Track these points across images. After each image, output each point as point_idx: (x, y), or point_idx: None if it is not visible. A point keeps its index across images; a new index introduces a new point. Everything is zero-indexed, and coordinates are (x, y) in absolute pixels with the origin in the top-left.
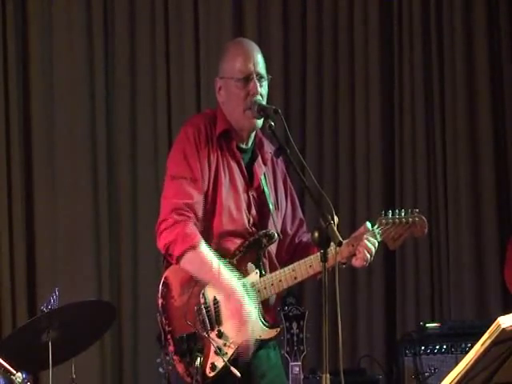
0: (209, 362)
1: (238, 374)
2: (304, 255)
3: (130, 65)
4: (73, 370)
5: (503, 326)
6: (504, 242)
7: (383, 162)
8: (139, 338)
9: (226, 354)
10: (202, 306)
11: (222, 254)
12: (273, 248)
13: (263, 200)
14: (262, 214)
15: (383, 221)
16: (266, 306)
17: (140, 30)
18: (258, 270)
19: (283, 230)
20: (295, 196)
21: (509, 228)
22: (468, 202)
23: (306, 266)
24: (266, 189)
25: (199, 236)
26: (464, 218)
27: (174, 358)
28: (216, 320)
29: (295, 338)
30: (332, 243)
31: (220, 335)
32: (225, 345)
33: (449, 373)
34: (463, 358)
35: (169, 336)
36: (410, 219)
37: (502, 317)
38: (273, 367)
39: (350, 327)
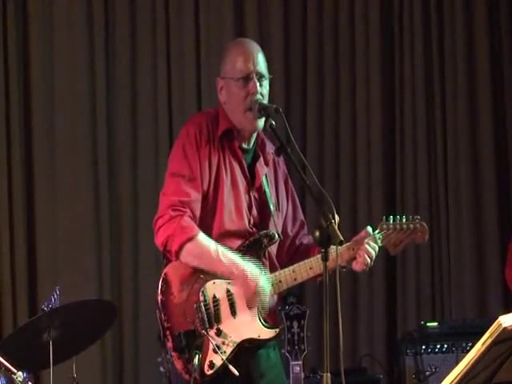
0: (207, 360)
1: (237, 373)
2: (304, 257)
3: (130, 65)
4: (74, 369)
5: (504, 326)
6: (505, 241)
7: (384, 162)
8: (140, 337)
9: (225, 352)
10: (202, 304)
11: None
12: (273, 249)
13: (264, 201)
14: (263, 215)
15: (384, 226)
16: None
17: (141, 29)
18: None
19: (284, 232)
20: (296, 197)
21: (509, 228)
22: (469, 202)
23: (306, 268)
24: (267, 190)
25: (196, 227)
26: (465, 218)
27: (173, 354)
28: (215, 318)
29: (296, 337)
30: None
31: (219, 333)
32: (223, 343)
33: (449, 372)
34: (464, 357)
35: (167, 332)
36: (412, 226)
37: (502, 316)
38: (272, 367)
39: (350, 326)
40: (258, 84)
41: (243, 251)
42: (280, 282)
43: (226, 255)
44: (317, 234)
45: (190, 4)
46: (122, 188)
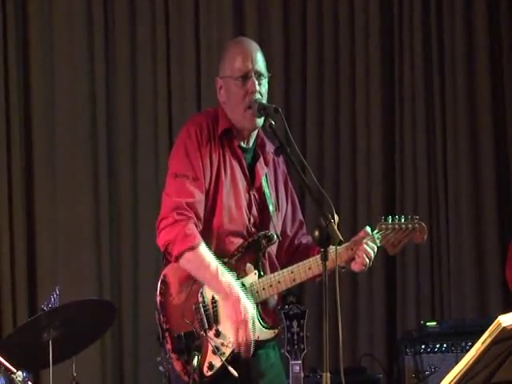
0: (206, 361)
1: (236, 374)
2: (304, 257)
3: (130, 65)
4: (73, 369)
5: (504, 325)
6: (504, 241)
7: (384, 162)
8: (139, 337)
9: (224, 353)
10: (201, 305)
11: (221, 253)
12: (273, 249)
13: (264, 201)
14: (263, 215)
15: (383, 226)
16: (265, 307)
17: (141, 30)
18: (256, 271)
19: (283, 232)
20: (295, 197)
21: (509, 228)
22: (468, 202)
23: (305, 268)
24: (266, 190)
25: (199, 237)
26: (464, 218)
27: (172, 355)
28: (214, 319)
29: (295, 337)
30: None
31: (218, 334)
32: (222, 344)
33: (449, 372)
34: (463, 356)
35: (166, 334)
36: (410, 225)
37: (502, 316)
38: (272, 367)
39: (350, 326)
40: (256, 83)
41: (242, 252)
42: (279, 282)
43: (225, 275)
44: (316, 233)
45: (190, 4)
46: (122, 188)
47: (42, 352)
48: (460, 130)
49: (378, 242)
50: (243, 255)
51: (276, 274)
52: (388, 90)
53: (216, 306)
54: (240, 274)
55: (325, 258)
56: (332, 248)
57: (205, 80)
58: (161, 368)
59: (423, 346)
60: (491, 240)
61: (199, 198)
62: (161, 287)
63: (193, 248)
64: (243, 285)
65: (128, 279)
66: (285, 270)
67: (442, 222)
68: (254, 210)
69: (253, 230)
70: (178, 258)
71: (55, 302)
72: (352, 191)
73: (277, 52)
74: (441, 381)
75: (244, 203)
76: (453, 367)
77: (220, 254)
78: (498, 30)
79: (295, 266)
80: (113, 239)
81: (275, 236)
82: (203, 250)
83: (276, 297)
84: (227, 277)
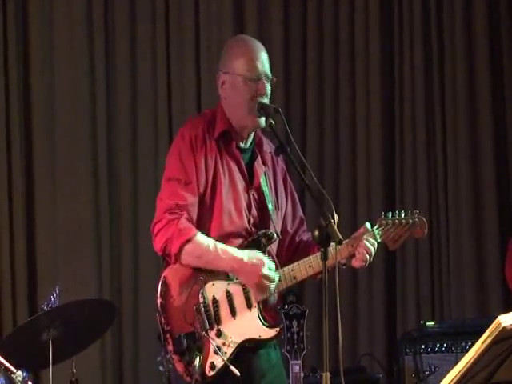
0: (208, 362)
1: (238, 374)
2: (304, 254)
3: (130, 65)
4: (73, 369)
5: (503, 325)
6: (504, 241)
7: (384, 162)
8: (139, 337)
9: (226, 353)
10: (201, 306)
11: None
12: (273, 247)
13: (263, 200)
14: (263, 214)
15: (383, 222)
16: (265, 306)
17: (141, 29)
18: None
19: (283, 229)
20: (295, 194)
21: (509, 227)
22: (468, 202)
23: (306, 266)
24: (265, 189)
25: (193, 228)
26: (464, 218)
27: (174, 357)
28: (215, 319)
29: (295, 337)
30: (332, 242)
31: (219, 334)
32: (224, 344)
33: (449, 371)
34: (463, 356)
35: (168, 335)
36: (410, 220)
37: (502, 315)
38: (273, 367)
39: (350, 326)
40: (265, 85)
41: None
42: (279, 281)
43: (226, 251)
44: (316, 233)
45: (190, 4)
46: (122, 188)
47: (41, 352)
48: (460, 130)
49: (378, 237)
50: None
51: (276, 272)
52: (388, 90)
53: (217, 306)
54: None
55: (324, 258)
56: (332, 245)
57: (205, 80)
58: (161, 368)
59: (423, 346)
60: (491, 240)
61: (191, 201)
62: (161, 289)
63: (190, 239)
64: (245, 284)
65: (128, 279)
66: (285, 269)
67: (441, 221)
68: (254, 210)
69: (253, 230)
70: (178, 255)
71: (55, 302)
72: (352, 191)
73: (277, 52)
74: (441, 381)
75: (243, 204)
76: (453, 367)
77: None
78: (498, 30)
79: (295, 264)
80: (113, 239)
81: (275, 235)
82: (200, 237)
83: (276, 295)
84: (229, 251)
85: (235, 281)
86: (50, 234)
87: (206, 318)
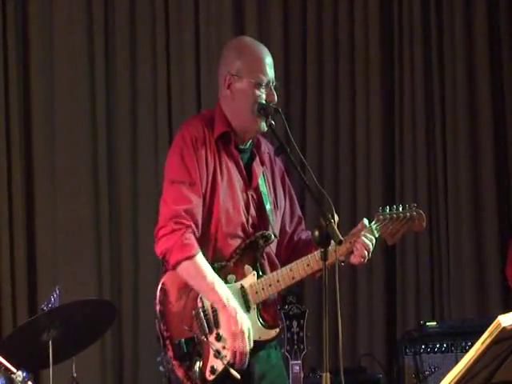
0: (208, 366)
1: (238, 376)
2: (303, 253)
3: (130, 65)
4: (73, 369)
5: (503, 325)
6: (504, 240)
7: (384, 162)
8: (139, 337)
9: (226, 356)
10: (200, 310)
11: (219, 256)
12: (272, 248)
13: (262, 200)
14: (261, 214)
15: (381, 217)
16: (265, 307)
17: (140, 30)
18: (255, 272)
19: (282, 228)
20: (293, 193)
21: (509, 226)
22: (468, 202)
23: (304, 265)
24: (264, 189)
25: (196, 247)
26: (464, 218)
27: (174, 362)
28: (214, 323)
29: (295, 337)
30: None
31: (219, 338)
32: (224, 347)
33: (449, 372)
34: (463, 356)
35: (167, 342)
36: (408, 214)
37: (502, 315)
38: (273, 367)
39: (350, 326)
40: (274, 92)
41: (239, 253)
42: (278, 281)
43: (222, 287)
44: (316, 233)
45: (190, 4)
46: (122, 188)
47: (41, 352)
48: (460, 130)
49: (376, 233)
50: (241, 257)
51: (275, 273)
52: (388, 90)
53: (216, 310)
54: (239, 276)
55: (324, 259)
56: (331, 243)
57: (205, 80)
58: (161, 368)
59: (423, 346)
60: (491, 240)
61: (197, 202)
62: (160, 296)
63: (190, 258)
64: (243, 287)
65: (128, 279)
66: (284, 269)
67: (441, 222)
68: (252, 210)
69: (251, 230)
70: (175, 266)
71: (55, 302)
72: (352, 191)
73: (277, 52)
74: (440, 381)
75: (241, 204)
76: (453, 367)
77: (218, 257)
78: (498, 30)
79: (294, 263)
80: (113, 239)
81: (272, 235)
82: (200, 260)
83: (276, 295)
84: (224, 289)
85: (233, 284)
86: (50, 234)
87: (205, 323)
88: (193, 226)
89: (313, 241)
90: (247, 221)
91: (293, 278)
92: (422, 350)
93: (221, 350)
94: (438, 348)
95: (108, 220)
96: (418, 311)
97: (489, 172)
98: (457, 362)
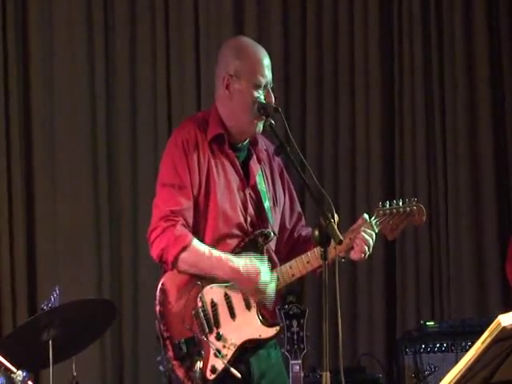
0: (209, 365)
1: (239, 375)
2: (303, 249)
3: (130, 65)
4: (73, 369)
5: (503, 325)
6: (504, 240)
7: (384, 162)
8: (140, 337)
9: (226, 355)
10: (200, 310)
11: None
12: (271, 245)
13: (260, 198)
14: (260, 212)
15: (380, 212)
16: (264, 305)
17: (140, 29)
18: None
19: (282, 225)
20: (293, 189)
21: (509, 226)
22: (468, 202)
23: (304, 263)
24: (262, 186)
25: (189, 235)
26: (464, 218)
27: (174, 363)
28: (214, 322)
29: (295, 337)
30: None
31: (219, 337)
32: (224, 347)
33: (449, 371)
34: (463, 356)
35: (167, 342)
36: (408, 208)
37: (502, 315)
38: (273, 366)
39: (350, 325)
40: (271, 94)
41: (239, 252)
42: (278, 280)
43: (221, 260)
44: (316, 233)
45: (190, 4)
46: (122, 188)
47: (41, 352)
48: (460, 130)
49: (375, 228)
50: (240, 256)
51: (274, 271)
52: (387, 89)
53: (216, 309)
54: None
55: (325, 258)
56: (332, 243)
57: (205, 80)
58: (161, 368)
59: (423, 346)
60: (491, 240)
61: (187, 205)
62: (159, 296)
63: (186, 247)
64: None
65: (128, 279)
66: (283, 266)
67: (441, 222)
68: (250, 209)
69: (250, 229)
70: (174, 263)
71: (55, 302)
72: (352, 191)
73: (276, 52)
74: (440, 381)
75: (239, 203)
76: (452, 367)
77: None
78: (497, 29)
79: (293, 261)
80: (113, 239)
81: (272, 233)
82: (196, 245)
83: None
84: (224, 260)
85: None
86: (50, 234)
87: (205, 322)
88: (183, 221)
89: (313, 241)
90: (245, 220)
91: (293, 275)
92: (421, 350)
93: (221, 349)
94: (438, 348)
95: (108, 220)
96: (417, 311)
97: (489, 172)
98: (457, 361)
